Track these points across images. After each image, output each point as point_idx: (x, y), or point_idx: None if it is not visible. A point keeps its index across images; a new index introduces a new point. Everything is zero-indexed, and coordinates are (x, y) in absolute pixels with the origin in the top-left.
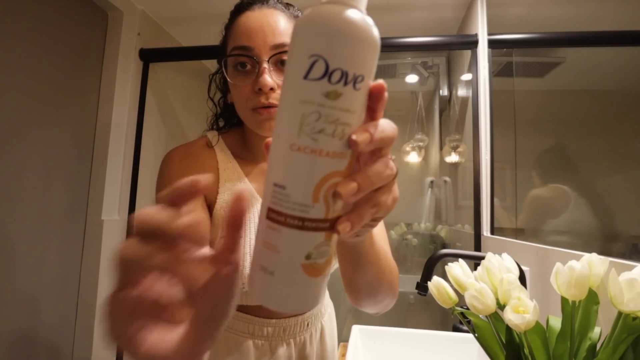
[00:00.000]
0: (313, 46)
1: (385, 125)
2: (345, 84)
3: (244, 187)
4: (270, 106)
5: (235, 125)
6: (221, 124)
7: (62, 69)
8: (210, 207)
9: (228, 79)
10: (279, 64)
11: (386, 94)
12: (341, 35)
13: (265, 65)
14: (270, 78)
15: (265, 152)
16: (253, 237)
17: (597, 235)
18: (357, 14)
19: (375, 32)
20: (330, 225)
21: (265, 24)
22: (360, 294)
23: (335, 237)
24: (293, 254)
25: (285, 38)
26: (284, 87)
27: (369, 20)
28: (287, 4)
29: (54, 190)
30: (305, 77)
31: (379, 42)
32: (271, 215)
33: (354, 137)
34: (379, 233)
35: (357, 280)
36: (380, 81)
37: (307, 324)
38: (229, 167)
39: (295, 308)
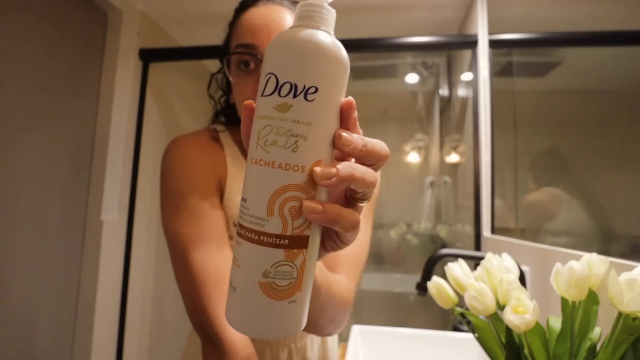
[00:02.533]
0: (268, 65)
1: (365, 171)
2: (295, 96)
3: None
4: None
5: (237, 123)
6: (222, 120)
7: (62, 68)
8: None
9: (230, 78)
10: None
11: (355, 114)
12: (287, 51)
13: None
14: None
15: None
16: None
17: (597, 236)
18: (308, 31)
19: (331, 45)
20: (291, 243)
21: (270, 20)
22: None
23: (301, 260)
24: (250, 270)
25: None
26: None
27: (325, 36)
28: (294, 0)
29: (54, 189)
30: (262, 94)
31: (332, 53)
32: (238, 229)
33: (317, 169)
34: (351, 259)
35: None
36: (349, 98)
37: None
38: (237, 163)
39: (254, 332)
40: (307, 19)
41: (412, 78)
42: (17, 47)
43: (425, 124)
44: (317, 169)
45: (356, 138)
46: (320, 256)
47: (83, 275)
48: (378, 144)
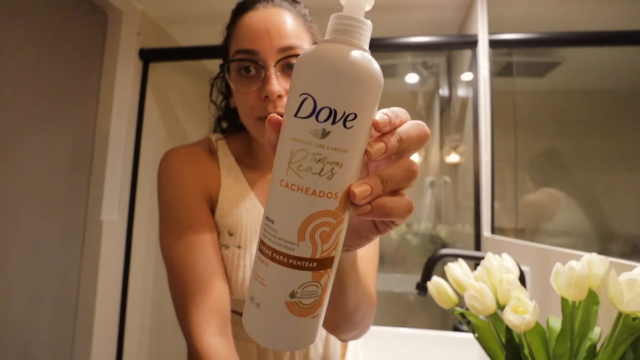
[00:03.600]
0: (304, 85)
1: (395, 177)
2: (334, 122)
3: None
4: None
5: (240, 129)
6: (224, 125)
7: (62, 68)
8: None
9: (231, 85)
10: (287, 68)
11: (387, 128)
12: (330, 74)
13: (272, 70)
14: (277, 84)
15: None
16: (254, 249)
17: (597, 236)
18: (350, 52)
19: (373, 69)
20: (319, 266)
21: (271, 25)
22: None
23: (326, 279)
24: (277, 290)
25: (293, 40)
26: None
27: (366, 58)
28: (293, 0)
29: (54, 190)
30: (296, 114)
31: (375, 79)
32: (261, 247)
33: (354, 189)
34: (368, 261)
35: (339, 302)
36: (379, 118)
37: None
38: (231, 173)
39: (279, 346)
40: (346, 34)
41: (412, 78)
42: (18, 47)
43: (425, 124)
44: (357, 190)
45: (390, 143)
46: (370, 239)
47: (83, 275)
48: (414, 129)
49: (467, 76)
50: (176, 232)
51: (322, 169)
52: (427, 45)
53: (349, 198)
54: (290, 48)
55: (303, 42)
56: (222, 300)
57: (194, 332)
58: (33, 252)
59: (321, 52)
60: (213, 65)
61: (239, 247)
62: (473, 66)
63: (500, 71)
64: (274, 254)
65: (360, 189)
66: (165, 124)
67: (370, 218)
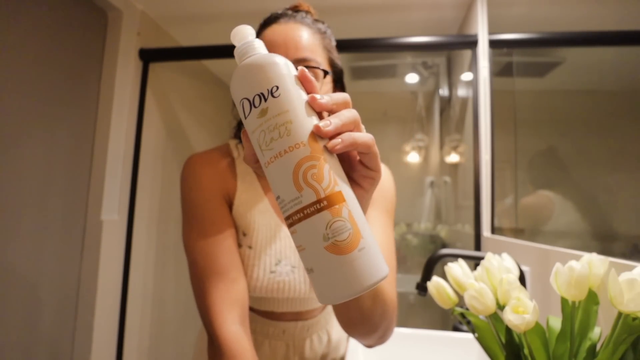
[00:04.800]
0: (237, 94)
1: (344, 114)
2: (266, 99)
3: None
4: None
5: None
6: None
7: (62, 68)
8: None
9: None
10: None
11: (309, 75)
12: (243, 77)
13: None
14: None
15: None
16: (264, 250)
17: (597, 236)
18: (248, 59)
19: (266, 56)
20: (329, 202)
21: (288, 38)
22: (349, 319)
23: (346, 211)
24: (313, 243)
25: (308, 53)
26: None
27: (259, 55)
28: (316, 19)
29: (54, 190)
30: (245, 116)
31: (271, 60)
32: (287, 222)
33: (316, 124)
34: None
35: (348, 304)
36: (299, 70)
37: (307, 329)
38: (247, 179)
39: (348, 293)
40: (245, 53)
41: (412, 78)
42: (18, 47)
43: (425, 124)
44: (319, 123)
45: (325, 97)
46: (364, 197)
47: (83, 275)
48: (339, 96)
49: (467, 76)
50: (199, 229)
51: (279, 132)
52: (427, 45)
53: (317, 141)
54: (304, 60)
55: (317, 56)
56: (242, 293)
57: (216, 320)
58: (33, 251)
59: (235, 71)
60: (213, 65)
61: (250, 247)
62: (473, 66)
63: (500, 71)
64: (293, 217)
65: (322, 122)
66: (165, 123)
67: (344, 148)
